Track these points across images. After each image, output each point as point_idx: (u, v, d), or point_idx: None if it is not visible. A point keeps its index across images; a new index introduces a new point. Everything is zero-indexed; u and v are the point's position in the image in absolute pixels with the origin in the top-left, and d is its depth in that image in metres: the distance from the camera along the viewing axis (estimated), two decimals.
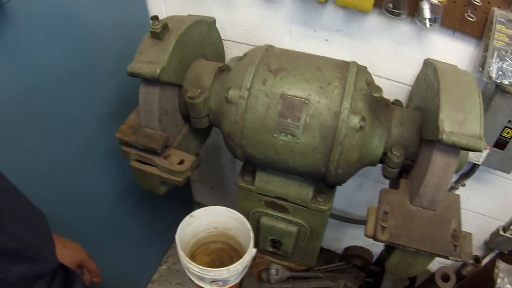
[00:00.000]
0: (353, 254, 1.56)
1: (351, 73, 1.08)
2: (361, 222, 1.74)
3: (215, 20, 1.25)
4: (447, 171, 1.01)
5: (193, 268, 1.16)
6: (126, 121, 1.18)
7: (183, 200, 2.45)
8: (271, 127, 1.06)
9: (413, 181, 1.10)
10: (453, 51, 1.23)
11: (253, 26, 1.37)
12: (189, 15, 1.25)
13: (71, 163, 1.35)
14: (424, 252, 1.03)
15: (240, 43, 1.43)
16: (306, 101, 1.05)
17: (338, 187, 1.26)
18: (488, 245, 1.71)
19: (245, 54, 1.15)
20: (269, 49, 1.14)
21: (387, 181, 1.28)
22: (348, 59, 1.29)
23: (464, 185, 1.52)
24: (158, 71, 1.04)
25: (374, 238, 1.03)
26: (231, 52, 1.49)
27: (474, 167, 1.42)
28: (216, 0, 1.37)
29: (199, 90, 1.14)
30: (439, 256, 1.03)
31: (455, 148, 0.97)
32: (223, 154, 2.00)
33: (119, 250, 1.81)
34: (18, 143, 1.15)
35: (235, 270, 1.17)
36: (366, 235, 1.05)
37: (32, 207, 0.75)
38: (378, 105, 1.11)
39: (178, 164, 1.12)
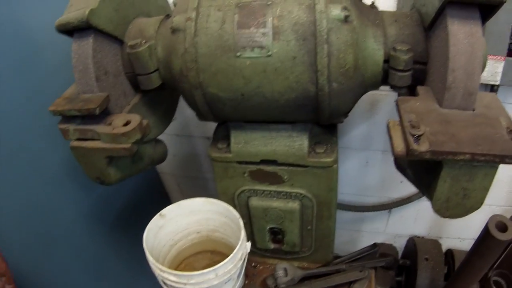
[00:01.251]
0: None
1: None
2: (376, 208, 1.35)
3: None
4: (474, 43, 0.68)
5: (170, 278, 0.80)
6: (62, 94, 0.91)
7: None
8: (230, 45, 0.74)
9: (434, 82, 0.78)
10: None
11: None
12: None
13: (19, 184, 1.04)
14: (484, 157, 0.68)
15: None
16: (269, 2, 0.79)
17: (341, 173, 0.90)
18: None
19: None
20: None
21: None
22: None
23: None
24: (87, 12, 0.80)
25: (409, 153, 0.67)
26: None
27: (492, 89, 1.12)
28: None
29: (141, 40, 0.91)
30: (504, 159, 0.69)
31: (471, 8, 0.69)
32: (204, 164, 1.63)
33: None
34: None
35: (225, 271, 0.80)
36: (396, 155, 0.68)
37: None
38: (360, 3, 0.87)
39: (124, 126, 0.84)
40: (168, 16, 0.86)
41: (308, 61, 0.68)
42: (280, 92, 0.70)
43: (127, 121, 0.75)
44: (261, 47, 0.68)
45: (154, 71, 0.80)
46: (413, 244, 1.15)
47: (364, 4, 0.76)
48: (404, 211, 1.31)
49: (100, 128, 0.74)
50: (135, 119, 0.74)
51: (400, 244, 1.27)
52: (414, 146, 0.61)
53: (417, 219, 1.32)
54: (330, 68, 0.67)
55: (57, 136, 0.86)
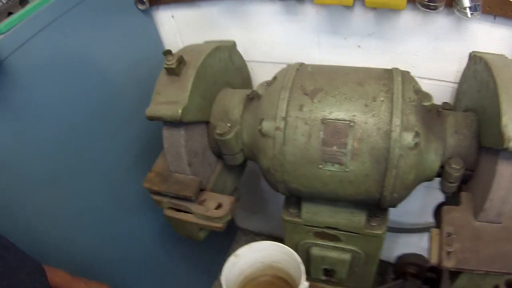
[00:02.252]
0: (406, 262, 1.46)
1: (397, 83, 0.96)
2: (414, 230, 1.63)
3: (235, 43, 1.13)
4: None
5: None
6: (153, 167, 1.07)
7: (225, 228, 2.33)
8: (315, 158, 0.95)
9: (475, 194, 0.98)
10: (496, 38, 1.09)
11: (278, 43, 1.25)
12: (205, 42, 1.13)
13: (102, 213, 1.25)
14: (495, 273, 0.92)
15: (266, 62, 1.31)
16: (352, 124, 0.93)
17: None
18: None
19: (275, 78, 1.03)
20: (300, 68, 1.02)
21: (435, 185, 1.16)
22: (384, 64, 1.17)
23: None
24: (180, 112, 0.93)
25: (440, 266, 0.92)
26: (257, 73, 1.37)
27: None
28: (233, 21, 1.25)
29: (228, 125, 1.02)
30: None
31: None
32: (262, 178, 1.88)
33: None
34: (47, 198, 1.07)
35: None
36: (432, 264, 0.94)
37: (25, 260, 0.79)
38: (429, 115, 0.99)
39: (216, 208, 1.01)
40: (249, 96, 0.97)
41: (377, 179, 0.90)
42: (351, 194, 0.99)
43: (219, 203, 0.93)
44: (341, 164, 0.90)
45: (239, 152, 0.95)
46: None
47: (432, 115, 0.92)
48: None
49: (195, 208, 0.94)
50: (226, 203, 0.95)
51: None
52: (445, 261, 0.90)
53: None
54: (394, 185, 0.87)
55: (135, 174, 1.21)
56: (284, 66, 1.26)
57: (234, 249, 2.56)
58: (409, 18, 1.10)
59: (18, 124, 0.98)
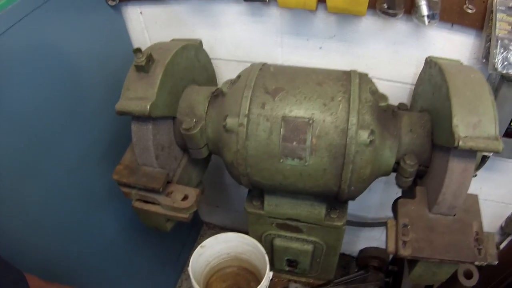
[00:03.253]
0: (369, 256, 1.53)
1: (354, 85, 1.03)
2: (375, 224, 1.71)
3: (201, 42, 1.19)
4: (465, 177, 0.97)
5: None
6: (122, 160, 1.12)
7: (190, 222, 2.38)
8: (276, 153, 1.01)
9: (429, 188, 1.06)
10: (453, 44, 1.18)
11: (243, 42, 1.31)
12: (173, 40, 1.18)
13: (70, 207, 1.29)
14: (450, 261, 0.99)
15: (230, 60, 1.37)
16: (310, 121, 0.99)
17: None
18: (504, 230, 1.68)
19: (239, 77, 1.09)
20: (263, 68, 1.08)
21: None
22: (345, 65, 1.24)
23: (475, 176, 1.48)
24: (148, 107, 0.98)
25: (397, 254, 1.00)
26: (222, 70, 1.43)
27: (484, 158, 1.38)
28: (200, 20, 1.30)
29: (194, 120, 1.08)
30: (464, 263, 1.00)
31: (471, 152, 0.93)
32: (225, 172, 1.93)
33: (131, 284, 1.76)
34: (15, 192, 1.10)
35: None
36: (389, 252, 1.01)
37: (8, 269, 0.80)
38: (385, 115, 1.06)
39: (182, 200, 1.06)
40: (214, 93, 1.02)
41: (335, 173, 0.96)
42: (310, 187, 1.06)
43: (185, 195, 0.98)
44: (300, 158, 0.95)
45: (204, 146, 1.00)
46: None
47: (387, 115, 0.99)
48: None
49: (162, 199, 1.00)
50: (192, 194, 1.00)
51: None
52: (401, 250, 0.98)
53: None
54: (351, 179, 0.94)
55: (104, 167, 1.28)
56: (248, 64, 1.32)
57: (200, 242, 2.62)
58: (369, 23, 1.17)
59: None
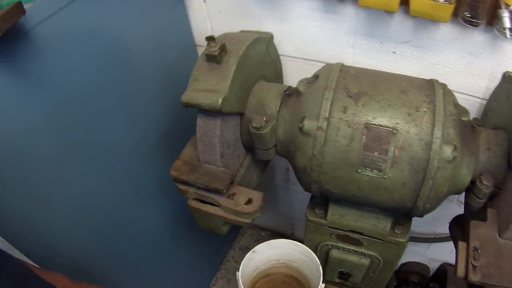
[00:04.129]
0: (410, 270, 1.50)
1: (438, 95, 0.98)
2: (422, 240, 1.68)
3: (272, 36, 1.12)
4: None
5: None
6: (181, 155, 1.05)
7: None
8: (354, 162, 0.96)
9: (501, 212, 1.02)
10: None
11: (312, 40, 1.25)
12: (242, 31, 1.10)
13: (115, 199, 1.23)
14: None
15: (297, 58, 1.30)
16: (394, 131, 0.94)
17: None
18: None
19: (316, 76, 1.03)
20: (343, 69, 1.02)
21: (450, 197, 1.20)
22: (416, 73, 1.19)
23: None
24: (220, 101, 0.92)
25: (466, 279, 0.96)
26: (286, 68, 1.36)
27: None
28: (268, 12, 1.24)
29: (264, 119, 1.01)
30: None
31: None
32: (276, 173, 1.89)
33: (168, 278, 1.70)
34: (56, 178, 1.03)
35: None
36: (458, 276, 0.97)
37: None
38: (465, 130, 1.02)
39: (246, 204, 1.00)
40: (287, 91, 0.97)
41: (413, 188, 0.92)
42: (383, 201, 1.02)
43: (249, 198, 0.93)
44: (379, 170, 0.91)
45: (272, 147, 0.95)
46: (444, 270, 1.46)
47: (467, 130, 0.95)
48: (444, 243, 1.66)
49: (223, 201, 0.94)
50: (257, 199, 0.95)
51: (433, 266, 1.65)
52: (471, 275, 0.94)
53: (452, 252, 1.65)
54: (429, 196, 0.88)
55: (154, 159, 1.21)
56: (316, 63, 1.26)
57: (239, 242, 2.57)
58: (447, 31, 1.12)
59: (37, 97, 0.93)
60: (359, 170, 0.96)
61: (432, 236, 1.64)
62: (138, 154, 1.25)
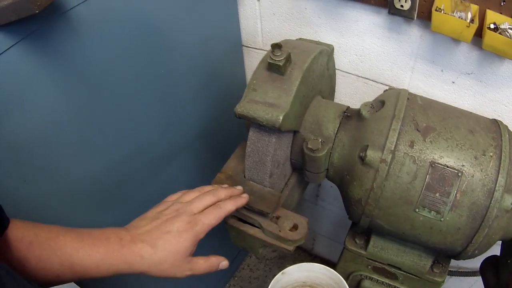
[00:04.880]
0: None
1: (505, 140, 0.94)
2: (456, 273, 1.65)
3: (333, 48, 1.04)
4: None
5: None
6: (223, 168, 0.97)
7: None
8: (413, 201, 0.91)
9: None
10: None
11: (370, 57, 1.19)
12: (301, 39, 1.02)
13: (138, 197, 1.13)
14: None
15: (351, 74, 1.24)
16: (459, 174, 0.90)
17: None
18: None
19: (382, 102, 0.96)
20: (410, 97, 0.96)
21: None
22: (472, 107, 1.16)
23: None
24: (281, 118, 0.84)
25: None
26: (339, 83, 1.29)
27: None
28: (327, 21, 1.16)
29: (320, 140, 0.94)
30: None
31: None
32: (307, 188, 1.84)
33: (181, 282, 1.61)
34: (82, 168, 0.96)
35: None
36: None
37: None
38: None
39: (290, 229, 0.93)
40: (346, 113, 0.91)
41: (468, 234, 0.90)
42: (433, 242, 0.99)
43: (294, 224, 0.87)
44: (438, 212, 0.87)
45: (324, 171, 0.89)
46: None
47: None
48: (465, 278, 1.66)
49: (266, 224, 0.88)
50: (303, 225, 0.90)
51: None
52: None
53: (472, 287, 1.63)
54: (481, 243, 0.84)
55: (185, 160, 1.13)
56: (369, 82, 1.19)
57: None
58: (511, 67, 1.07)
59: (70, 80, 0.85)
60: (417, 210, 0.92)
61: (455, 270, 1.63)
62: (168, 153, 1.17)
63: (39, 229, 0.67)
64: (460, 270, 1.63)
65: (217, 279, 2.10)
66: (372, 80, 1.22)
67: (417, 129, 0.92)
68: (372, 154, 0.91)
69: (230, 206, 0.83)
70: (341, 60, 1.24)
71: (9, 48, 0.72)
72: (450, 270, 1.65)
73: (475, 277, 1.64)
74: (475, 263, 1.24)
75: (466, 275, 1.62)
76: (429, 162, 0.91)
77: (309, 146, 0.94)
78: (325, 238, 2.15)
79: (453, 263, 1.65)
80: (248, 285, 2.30)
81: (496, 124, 0.99)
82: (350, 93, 1.23)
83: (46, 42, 0.78)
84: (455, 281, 1.73)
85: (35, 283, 0.58)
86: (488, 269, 1.20)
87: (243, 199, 0.88)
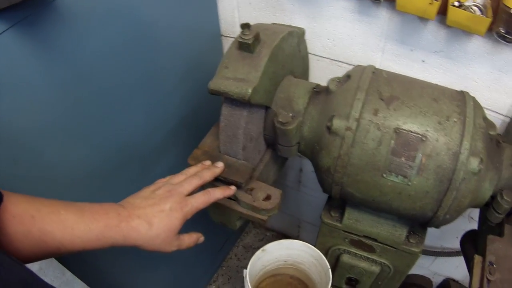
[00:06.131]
0: (413, 283, 1.50)
1: (469, 107, 0.99)
2: (428, 253, 1.68)
3: (304, 31, 1.11)
4: None
5: None
6: (200, 145, 1.04)
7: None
8: (380, 166, 0.95)
9: None
10: None
11: (341, 40, 1.25)
12: (274, 23, 1.10)
13: (123, 182, 1.20)
14: None
15: (324, 57, 1.31)
16: (423, 138, 0.94)
17: None
18: None
19: (348, 76, 1.02)
20: (376, 71, 1.02)
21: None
22: (444, 84, 1.20)
23: None
24: (250, 91, 0.91)
25: None
26: (313, 67, 1.36)
27: None
28: (300, 8, 1.24)
29: (291, 114, 1.00)
30: None
31: None
32: (288, 173, 1.90)
33: (168, 270, 1.69)
34: (67, 154, 1.02)
35: None
36: None
37: None
38: (491, 144, 1.02)
39: (264, 200, 0.99)
40: (316, 89, 0.96)
41: (436, 198, 0.92)
42: (404, 208, 1.03)
43: (267, 195, 0.92)
44: (405, 176, 0.90)
45: (295, 144, 0.94)
46: (447, 286, 1.46)
47: (493, 145, 0.95)
48: (450, 258, 1.68)
49: (241, 195, 0.92)
50: (276, 196, 0.94)
51: (436, 280, 1.69)
52: None
53: (458, 267, 1.69)
54: (450, 207, 0.89)
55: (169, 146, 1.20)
56: (342, 65, 1.25)
57: (243, 241, 2.55)
58: (479, 44, 1.13)
59: (56, 68, 0.92)
60: (384, 175, 0.96)
61: (439, 250, 1.65)
62: (153, 140, 1.24)
63: (40, 204, 0.72)
64: (444, 251, 1.66)
65: (205, 269, 2.14)
66: (345, 63, 1.28)
67: (381, 98, 0.98)
68: (338, 123, 0.97)
69: (218, 194, 0.93)
70: (315, 45, 1.30)
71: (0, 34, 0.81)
72: (434, 251, 1.69)
73: (460, 257, 1.64)
74: (459, 243, 1.26)
75: (450, 255, 1.64)
76: (393, 128, 0.96)
77: (280, 119, 1.00)
78: (310, 224, 2.18)
79: (436, 243, 1.69)
80: (235, 274, 2.33)
81: (461, 94, 1.04)
82: (325, 75, 1.29)
83: (36, 29, 0.84)
84: (440, 261, 1.75)
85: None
86: (467, 242, 1.23)
87: (231, 190, 0.96)
